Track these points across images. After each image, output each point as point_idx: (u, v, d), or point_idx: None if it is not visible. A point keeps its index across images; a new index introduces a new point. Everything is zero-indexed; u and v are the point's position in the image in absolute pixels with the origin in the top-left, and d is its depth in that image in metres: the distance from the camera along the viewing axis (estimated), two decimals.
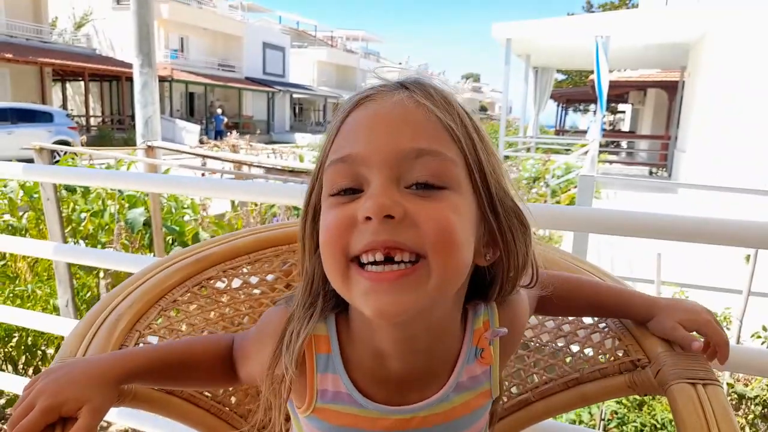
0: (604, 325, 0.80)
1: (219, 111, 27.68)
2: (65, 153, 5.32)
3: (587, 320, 0.82)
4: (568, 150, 11.62)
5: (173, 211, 3.85)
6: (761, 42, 7.10)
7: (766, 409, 1.97)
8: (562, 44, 11.63)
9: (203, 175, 4.61)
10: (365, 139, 0.51)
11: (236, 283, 0.86)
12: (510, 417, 0.84)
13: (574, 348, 0.82)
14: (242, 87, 31.30)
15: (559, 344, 0.83)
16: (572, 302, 0.74)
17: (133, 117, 25.36)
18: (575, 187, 5.75)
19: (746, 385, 2.09)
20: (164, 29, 26.01)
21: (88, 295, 3.30)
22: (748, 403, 1.98)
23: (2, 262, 3.58)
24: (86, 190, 3.87)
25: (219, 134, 26.42)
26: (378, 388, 0.57)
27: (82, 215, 3.82)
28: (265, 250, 0.88)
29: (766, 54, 7.03)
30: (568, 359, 0.82)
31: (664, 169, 13.84)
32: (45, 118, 14.84)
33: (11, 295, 2.88)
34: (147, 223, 3.70)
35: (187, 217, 4.16)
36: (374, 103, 0.53)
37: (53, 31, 24.29)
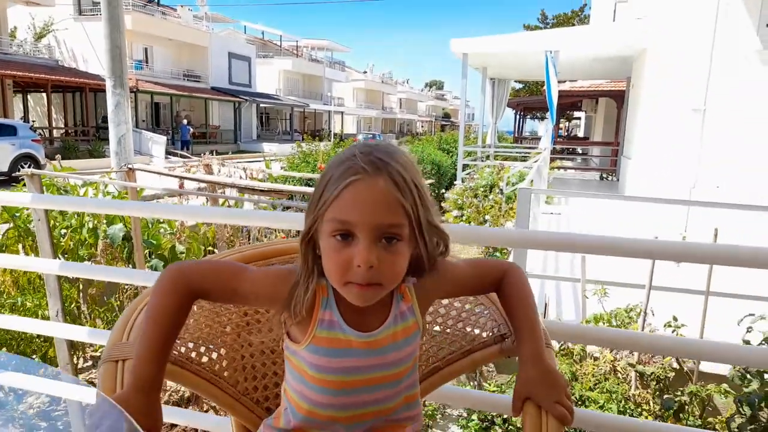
0: (487, 312, 1.16)
1: (185, 121, 27.50)
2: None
3: (478, 309, 1.18)
4: (525, 158, 12.17)
5: (150, 226, 4.10)
6: (692, 56, 7.73)
7: (660, 384, 2.37)
8: (516, 58, 12.21)
9: (180, 195, 4.84)
10: (358, 213, 0.83)
11: None
12: (426, 381, 1.18)
13: (468, 329, 1.17)
14: (208, 97, 31.20)
15: (459, 326, 1.18)
16: (504, 306, 1.07)
17: (97, 129, 25.06)
18: None
19: (646, 364, 2.49)
20: (128, 40, 25.62)
21: (72, 305, 3.54)
22: (647, 380, 2.39)
23: None
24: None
25: (185, 144, 26.27)
26: (352, 318, 0.93)
27: (62, 231, 4.04)
28: (258, 261, 1.18)
29: (696, 67, 7.66)
30: (464, 337, 1.17)
31: (614, 175, 14.54)
32: (8, 131, 14.65)
33: (0, 307, 3.10)
34: (125, 238, 3.95)
35: (162, 230, 4.41)
36: (363, 186, 0.83)
37: (12, 42, 23.81)
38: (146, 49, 29.04)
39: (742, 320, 2.37)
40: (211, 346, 1.11)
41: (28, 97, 24.89)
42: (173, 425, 2.64)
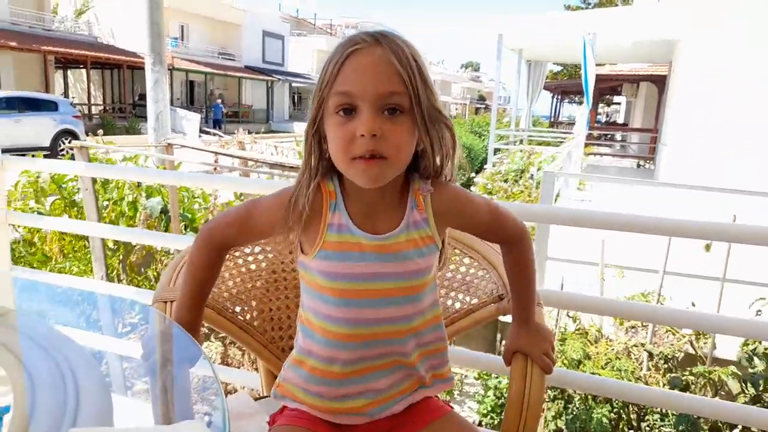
0: (489, 275, 1.28)
1: (219, 100, 27.88)
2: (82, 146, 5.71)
3: (480, 273, 1.30)
4: (560, 143, 12.04)
5: (185, 201, 4.32)
6: (732, 43, 7.54)
7: (668, 364, 2.46)
8: (554, 39, 12.02)
9: (215, 169, 5.05)
10: (358, 83, 0.83)
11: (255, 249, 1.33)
12: None
13: (471, 290, 1.29)
14: (242, 76, 31.48)
15: (463, 288, 1.31)
16: (509, 268, 1.10)
17: (134, 106, 25.62)
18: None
19: (658, 346, 2.57)
20: (165, 17, 26.18)
21: (113, 273, 3.78)
22: (656, 360, 2.47)
23: (32, 249, 4.03)
24: (106, 181, 4.34)
25: (217, 123, 26.65)
26: (363, 222, 0.92)
27: (104, 203, 4.29)
28: None
29: (736, 55, 7.46)
30: (468, 298, 1.29)
31: (652, 162, 14.28)
32: (50, 106, 15.11)
33: (51, 272, 3.35)
34: (163, 211, 4.17)
35: (196, 206, 4.63)
36: (362, 56, 0.83)
37: (55, 18, 24.47)
38: (182, 26, 29.41)
39: (753, 304, 2.42)
40: (244, 298, 1.26)
41: (68, 73, 25.58)
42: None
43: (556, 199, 6.67)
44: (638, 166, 15.37)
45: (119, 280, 4.19)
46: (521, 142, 13.81)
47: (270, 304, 1.31)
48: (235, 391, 2.75)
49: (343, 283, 0.92)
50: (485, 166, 12.06)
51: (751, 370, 2.23)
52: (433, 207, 0.95)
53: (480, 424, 2.77)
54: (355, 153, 0.84)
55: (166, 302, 1.08)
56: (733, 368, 2.47)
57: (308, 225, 0.92)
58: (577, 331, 3.27)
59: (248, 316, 1.27)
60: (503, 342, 3.58)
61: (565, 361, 2.48)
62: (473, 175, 11.84)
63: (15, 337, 0.97)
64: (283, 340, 1.30)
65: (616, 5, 28.54)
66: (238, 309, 1.25)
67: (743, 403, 2.23)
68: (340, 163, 0.88)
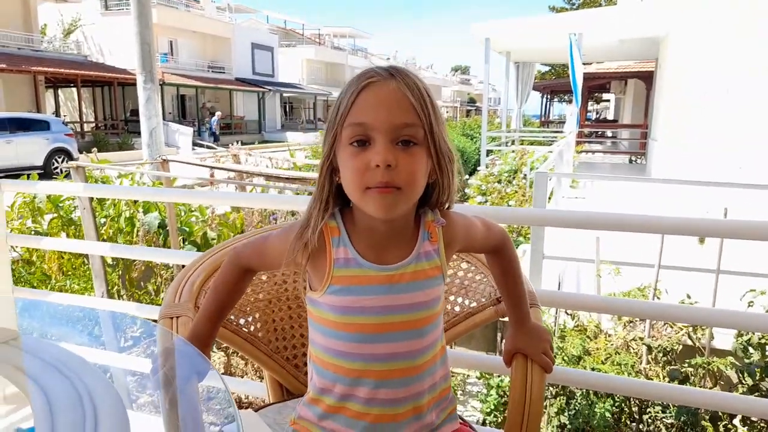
0: (486, 279, 1.31)
1: (218, 114, 28.05)
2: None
3: (478, 276, 1.33)
4: (552, 142, 12.12)
5: (183, 214, 4.34)
6: (715, 38, 7.63)
7: (666, 357, 2.49)
8: (541, 41, 12.13)
9: (211, 183, 5.07)
10: (373, 114, 0.84)
11: None
12: None
13: (470, 294, 1.32)
14: (233, 88, 31.60)
15: (462, 292, 1.34)
16: (497, 274, 1.12)
17: (126, 122, 25.66)
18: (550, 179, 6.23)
19: (657, 339, 2.61)
20: (154, 33, 26.26)
21: (114, 289, 3.80)
22: (655, 353, 2.51)
23: (31, 269, 4.04)
24: (102, 198, 4.35)
25: (215, 136, 26.74)
26: (371, 254, 0.91)
27: (101, 220, 4.30)
28: None
29: (721, 48, 7.56)
30: (467, 301, 1.32)
31: (643, 158, 14.38)
32: (42, 126, 15.13)
33: (52, 290, 3.36)
34: (160, 225, 4.18)
35: (193, 219, 4.65)
36: (376, 88, 0.84)
37: (43, 39, 24.49)
38: (171, 41, 29.50)
39: (744, 295, 2.46)
40: (247, 310, 1.29)
41: (59, 92, 25.60)
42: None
43: (549, 199, 6.72)
44: (630, 161, 15.47)
45: (120, 296, 4.20)
46: (513, 142, 13.88)
47: (273, 315, 1.33)
48: (241, 400, 2.77)
49: (354, 318, 0.91)
50: (478, 168, 12.12)
51: (747, 361, 2.27)
52: (444, 238, 0.96)
53: (484, 423, 2.79)
54: (369, 183, 0.85)
55: (172, 318, 1.11)
56: (730, 359, 2.50)
57: (315, 261, 0.93)
58: (576, 328, 3.30)
59: (252, 328, 1.30)
60: (503, 341, 3.62)
61: (566, 358, 2.52)
62: (467, 177, 11.91)
63: (28, 360, 0.99)
64: (287, 349, 1.33)
65: (601, 5, 28.80)
66: (242, 321, 1.28)
67: (742, 393, 2.27)
68: (354, 193, 0.87)
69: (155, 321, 1.15)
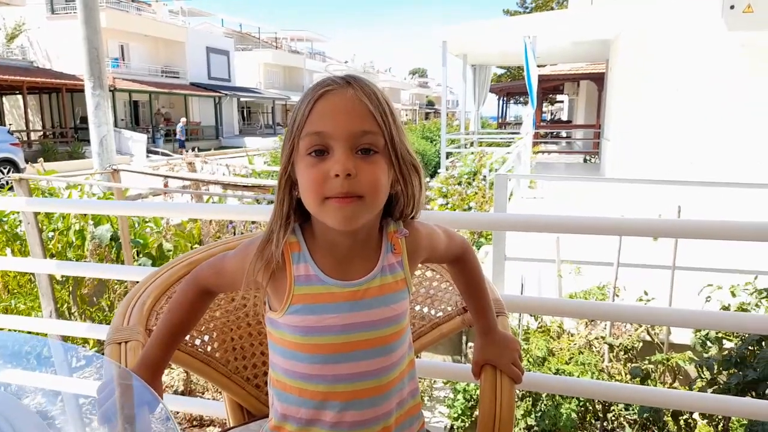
0: (452, 287, 1.28)
1: (183, 120, 27.12)
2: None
3: (444, 285, 1.30)
4: (510, 143, 12.32)
5: (136, 225, 4.17)
6: (664, 38, 7.91)
7: (627, 354, 2.53)
8: (496, 44, 12.32)
9: (165, 193, 4.91)
10: (331, 122, 0.80)
11: None
12: None
13: (436, 304, 1.29)
14: (188, 93, 30.89)
15: (428, 302, 1.30)
16: (460, 284, 1.11)
17: (75, 129, 24.74)
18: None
19: (617, 338, 2.65)
20: (104, 38, 25.39)
21: (63, 307, 3.61)
22: (616, 351, 2.55)
23: None
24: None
25: (182, 144, 25.72)
26: (334, 270, 0.87)
27: (49, 234, 4.10)
28: None
29: (669, 49, 7.84)
30: (433, 311, 1.29)
31: (597, 157, 14.78)
32: None
33: None
34: (113, 238, 4.01)
35: (147, 230, 4.48)
36: (333, 96, 0.81)
37: None
38: (122, 46, 28.67)
39: (701, 291, 2.53)
40: (203, 329, 1.22)
41: (4, 99, 24.50)
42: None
43: (509, 199, 6.80)
44: (585, 161, 15.88)
45: (70, 314, 4.00)
46: (472, 144, 14.04)
47: (231, 334, 1.27)
48: (203, 418, 2.67)
49: (317, 338, 0.86)
50: (439, 171, 12.20)
51: (705, 355, 2.32)
52: (407, 249, 0.93)
53: (452, 429, 2.77)
54: (327, 193, 0.81)
55: (120, 343, 1.03)
56: (689, 353, 2.56)
57: (275, 280, 0.88)
58: (539, 329, 3.33)
59: (209, 348, 1.23)
60: (469, 344, 3.62)
61: (531, 359, 2.52)
62: (428, 179, 11.97)
63: None
64: (247, 369, 1.27)
65: (553, 8, 29.56)
66: (198, 342, 1.21)
67: (700, 387, 2.32)
68: (312, 204, 0.83)
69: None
